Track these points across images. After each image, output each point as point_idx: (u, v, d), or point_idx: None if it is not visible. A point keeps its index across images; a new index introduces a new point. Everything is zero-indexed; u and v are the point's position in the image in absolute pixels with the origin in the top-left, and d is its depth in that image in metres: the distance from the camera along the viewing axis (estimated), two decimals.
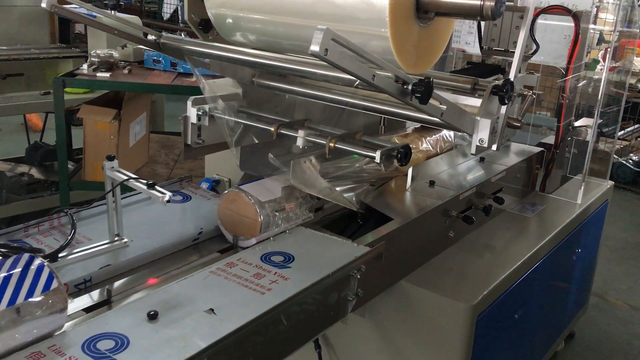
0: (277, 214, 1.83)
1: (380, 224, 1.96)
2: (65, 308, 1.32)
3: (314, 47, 1.25)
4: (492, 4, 1.58)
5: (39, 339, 1.27)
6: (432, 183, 2.29)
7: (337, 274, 1.62)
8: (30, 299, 1.26)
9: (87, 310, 1.48)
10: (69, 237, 1.70)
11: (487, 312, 2.06)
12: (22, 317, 1.24)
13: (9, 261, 1.31)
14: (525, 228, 2.58)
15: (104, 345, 1.25)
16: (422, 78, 1.50)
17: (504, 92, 1.80)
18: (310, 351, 2.24)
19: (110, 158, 1.68)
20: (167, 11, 8.04)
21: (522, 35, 1.80)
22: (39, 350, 1.23)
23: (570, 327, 3.37)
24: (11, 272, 1.28)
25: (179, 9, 7.77)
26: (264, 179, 1.93)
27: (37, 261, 1.33)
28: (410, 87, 1.49)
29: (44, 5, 1.78)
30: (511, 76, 1.84)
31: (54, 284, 1.30)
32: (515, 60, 1.83)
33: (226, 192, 1.88)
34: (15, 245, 1.64)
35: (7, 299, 1.24)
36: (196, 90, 2.14)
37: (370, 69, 1.41)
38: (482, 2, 1.59)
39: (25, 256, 1.34)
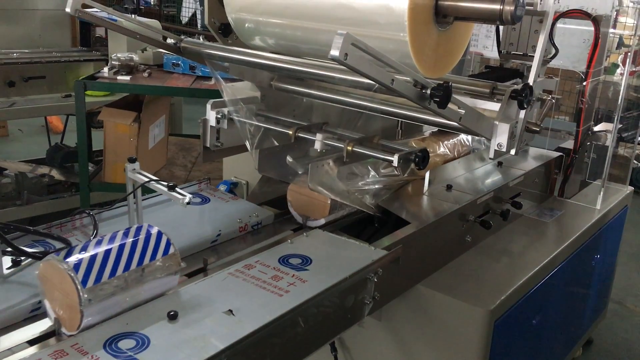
0: None
1: (397, 228, 1.97)
2: (179, 271, 1.47)
3: (334, 52, 1.26)
4: (512, 8, 1.57)
5: (157, 296, 1.43)
6: (449, 187, 2.29)
7: (354, 277, 1.63)
8: (153, 261, 1.41)
9: None
10: (92, 237, 1.73)
11: (505, 318, 2.05)
12: (146, 277, 1.40)
13: (133, 229, 1.46)
14: (544, 233, 2.55)
15: (125, 344, 1.27)
16: (441, 82, 1.50)
17: (523, 97, 1.80)
18: (327, 354, 2.24)
19: (132, 160, 1.70)
20: (185, 15, 8.09)
21: (542, 39, 1.80)
22: (62, 349, 1.25)
23: (589, 334, 3.33)
24: (137, 237, 1.43)
25: (197, 12, 7.83)
26: None
27: (156, 229, 1.46)
28: (429, 91, 1.49)
29: (68, 10, 1.82)
30: (530, 80, 1.84)
31: (172, 249, 1.46)
32: (535, 65, 1.83)
33: (299, 176, 1.98)
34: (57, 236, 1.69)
35: (137, 259, 1.39)
36: (214, 94, 2.16)
37: (389, 73, 1.42)
38: (501, 7, 1.59)
39: (145, 225, 1.48)
